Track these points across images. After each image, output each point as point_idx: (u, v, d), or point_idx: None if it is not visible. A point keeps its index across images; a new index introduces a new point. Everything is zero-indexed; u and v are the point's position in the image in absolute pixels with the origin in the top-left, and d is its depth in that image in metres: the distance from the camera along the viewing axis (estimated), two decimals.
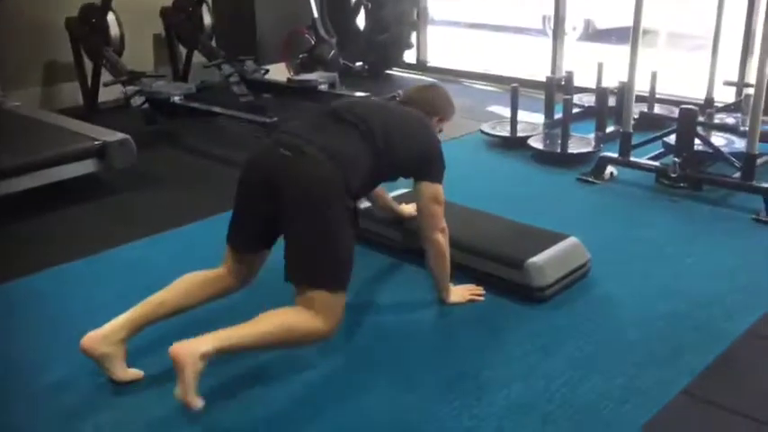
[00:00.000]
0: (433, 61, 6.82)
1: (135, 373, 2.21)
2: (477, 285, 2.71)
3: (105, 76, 5.18)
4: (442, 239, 2.53)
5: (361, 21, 6.68)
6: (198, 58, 5.75)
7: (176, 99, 4.77)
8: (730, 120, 4.36)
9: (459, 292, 2.65)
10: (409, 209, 2.97)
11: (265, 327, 2.06)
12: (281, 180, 2.15)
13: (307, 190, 2.13)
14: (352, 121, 2.33)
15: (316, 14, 5.98)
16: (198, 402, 1.95)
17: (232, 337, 2.02)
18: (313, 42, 6.04)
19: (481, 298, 2.67)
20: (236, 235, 2.32)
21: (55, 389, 2.23)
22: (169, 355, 1.96)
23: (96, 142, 3.83)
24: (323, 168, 2.15)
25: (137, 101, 4.77)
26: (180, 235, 3.35)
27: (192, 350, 1.94)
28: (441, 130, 2.72)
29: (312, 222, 2.13)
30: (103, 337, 2.15)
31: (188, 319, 2.30)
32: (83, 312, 2.62)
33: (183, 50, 5.90)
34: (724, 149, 3.75)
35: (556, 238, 2.81)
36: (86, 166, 3.81)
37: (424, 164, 2.49)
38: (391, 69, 6.73)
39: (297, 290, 2.14)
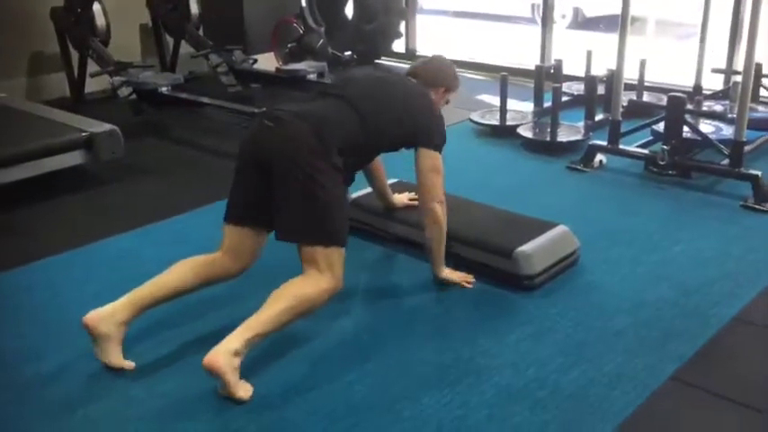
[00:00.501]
0: (422, 50, 6.80)
1: (127, 363, 2.22)
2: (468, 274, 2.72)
3: (92, 66, 5.14)
4: (440, 210, 2.54)
5: (349, 10, 6.65)
6: (185, 48, 5.71)
7: (164, 89, 4.73)
8: (718, 107, 4.38)
9: (453, 273, 2.69)
10: (402, 198, 3.00)
11: (280, 305, 2.12)
12: (266, 149, 2.25)
13: (285, 150, 2.22)
14: (335, 93, 2.45)
15: (304, 3, 5.95)
16: (245, 393, 2.07)
17: (254, 326, 2.08)
18: (301, 32, 6.02)
19: (470, 285, 2.69)
20: (233, 211, 2.35)
21: (46, 379, 2.22)
22: (204, 367, 2.02)
23: (83, 133, 3.81)
24: (295, 128, 2.25)
25: (124, 91, 4.74)
26: (168, 226, 3.34)
27: (223, 352, 2.02)
28: (447, 102, 2.75)
29: (297, 181, 2.19)
30: (106, 316, 2.18)
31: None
32: (72, 304, 2.61)
33: (170, 40, 5.86)
34: (712, 137, 3.77)
35: (545, 226, 2.82)
36: (74, 158, 3.78)
37: (422, 132, 2.52)
38: (380, 59, 6.71)
39: (299, 250, 2.23)
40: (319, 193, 2.20)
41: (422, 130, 2.52)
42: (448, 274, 2.67)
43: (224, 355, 2.02)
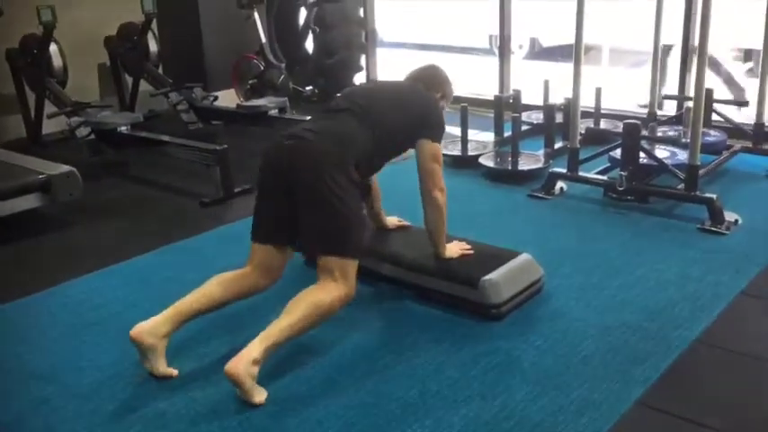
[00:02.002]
0: None
1: (171, 370, 2.38)
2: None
3: (49, 107, 5.09)
4: (441, 197, 2.69)
5: (309, 45, 6.69)
6: (145, 86, 5.69)
7: (123, 129, 4.69)
8: (672, 132, 4.48)
9: (453, 249, 2.83)
10: (392, 220, 3.18)
11: (297, 314, 2.26)
12: (288, 167, 2.40)
13: (307, 166, 2.37)
14: (346, 107, 2.60)
15: (264, 40, 5.98)
16: (260, 398, 2.21)
17: (273, 334, 2.23)
18: (262, 68, 6.04)
19: (471, 252, 2.84)
20: (258, 229, 2.50)
21: None
22: (226, 375, 2.17)
23: (40, 176, 3.74)
24: (316, 144, 2.41)
25: (82, 132, 4.69)
26: (128, 268, 3.28)
27: (244, 362, 2.17)
28: (443, 107, 2.88)
29: (319, 195, 2.34)
30: (150, 329, 2.33)
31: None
32: (34, 350, 2.55)
33: (129, 79, 5.83)
34: (668, 162, 3.84)
35: (509, 255, 2.84)
36: (31, 201, 3.72)
37: (423, 125, 2.67)
38: (341, 92, 6.75)
39: (317, 260, 2.39)
40: (339, 206, 2.35)
41: (424, 122, 2.67)
42: (449, 253, 2.81)
43: (244, 364, 2.16)
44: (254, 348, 2.19)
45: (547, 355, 2.44)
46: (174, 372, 2.38)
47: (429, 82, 2.84)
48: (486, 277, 2.66)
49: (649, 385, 2.25)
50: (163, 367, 2.37)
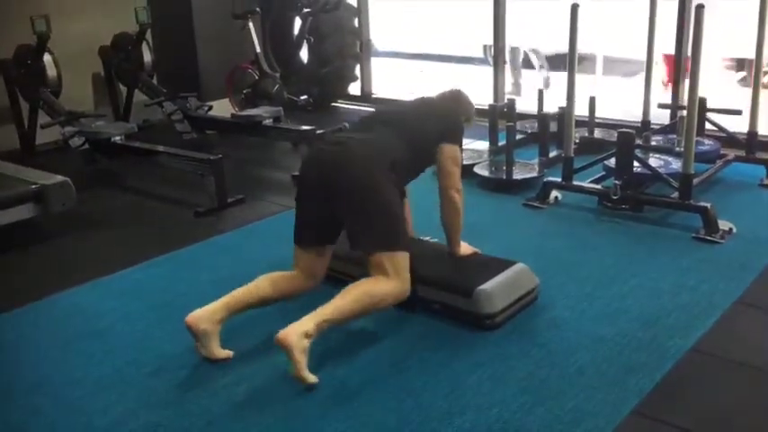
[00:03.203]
0: (378, 92, 6.88)
1: (227, 352, 2.49)
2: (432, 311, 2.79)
3: (43, 117, 5.07)
4: (458, 197, 2.85)
5: (304, 54, 6.70)
6: (139, 96, 5.68)
7: (117, 139, 4.69)
8: (666, 141, 4.49)
9: (467, 248, 2.97)
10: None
11: (350, 297, 2.38)
12: (330, 170, 2.54)
13: (354, 167, 2.52)
14: (380, 120, 2.84)
15: (258, 49, 5.99)
16: (311, 377, 2.28)
17: (325, 313, 2.32)
18: (257, 77, 6.04)
19: (479, 253, 2.97)
20: (301, 233, 2.64)
21: None
22: (276, 341, 2.25)
23: (34, 186, 3.73)
24: (358, 148, 2.59)
25: (76, 142, 4.68)
26: (122, 278, 3.26)
27: (296, 331, 2.25)
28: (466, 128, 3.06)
29: (362, 195, 2.49)
30: (205, 315, 2.45)
31: None
32: (18, 364, 2.54)
33: (123, 89, 5.82)
34: (662, 170, 3.85)
35: (504, 264, 2.83)
36: (24, 211, 3.69)
37: (447, 131, 2.86)
38: (336, 102, 6.76)
39: (367, 258, 2.49)
40: (384, 202, 2.50)
41: (448, 129, 2.87)
42: (464, 250, 2.94)
43: (296, 335, 2.24)
44: (308, 321, 2.28)
45: (542, 365, 2.43)
46: (230, 353, 2.50)
47: (456, 103, 3.05)
48: (481, 287, 2.66)
49: (644, 395, 2.24)
50: (218, 350, 2.48)
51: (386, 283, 2.45)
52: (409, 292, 2.53)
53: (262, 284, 2.57)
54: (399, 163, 2.64)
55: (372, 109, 2.99)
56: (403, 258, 2.51)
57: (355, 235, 2.55)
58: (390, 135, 2.71)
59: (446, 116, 2.93)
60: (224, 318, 2.49)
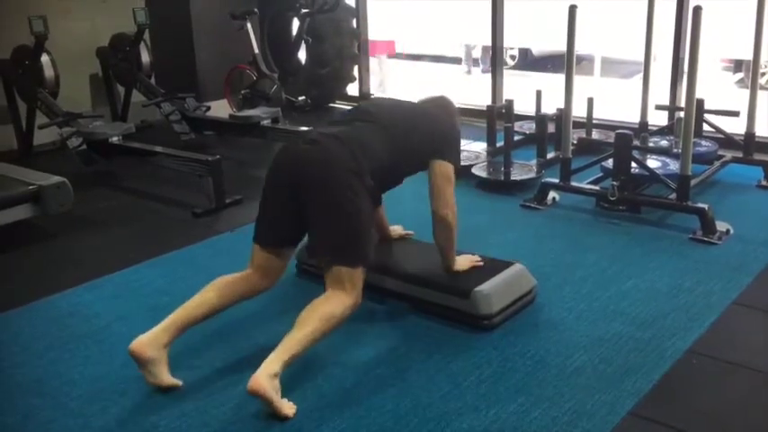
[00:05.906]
0: (375, 93, 6.88)
1: (176, 381, 2.34)
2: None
3: (41, 118, 5.07)
4: (450, 217, 2.69)
5: (302, 55, 6.70)
6: (137, 96, 5.68)
7: (115, 139, 4.68)
8: (664, 142, 4.50)
9: (463, 262, 2.82)
10: (397, 230, 3.20)
11: (309, 326, 2.26)
12: (298, 169, 2.39)
13: (323, 169, 2.37)
14: (365, 117, 2.63)
15: (256, 50, 5.98)
16: (290, 411, 2.19)
17: (288, 348, 2.22)
18: (255, 78, 6.03)
19: (481, 263, 2.83)
20: (262, 231, 2.50)
21: None
22: (250, 392, 2.14)
23: (31, 187, 3.72)
24: (333, 149, 2.41)
25: (74, 142, 4.67)
26: (119, 279, 3.26)
27: (265, 377, 2.15)
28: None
29: (332, 198, 2.35)
30: (149, 341, 2.30)
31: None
32: (14, 365, 2.53)
33: (121, 90, 5.82)
34: (659, 172, 3.85)
35: (502, 265, 2.83)
36: (21, 212, 3.68)
37: (438, 144, 2.69)
38: (334, 102, 6.76)
39: (324, 266, 2.39)
40: (352, 212, 2.36)
41: (439, 144, 2.70)
42: (459, 266, 2.80)
43: (266, 379, 2.14)
44: (273, 363, 2.17)
45: (539, 366, 2.43)
46: (179, 382, 2.34)
47: (443, 109, 2.90)
48: (478, 288, 2.66)
49: (642, 396, 2.25)
50: (167, 378, 2.33)
51: (343, 299, 2.33)
52: (359, 304, 2.41)
53: (208, 295, 2.42)
54: (380, 169, 2.48)
55: (364, 103, 2.82)
56: (362, 272, 2.39)
57: (317, 241, 2.44)
58: (375, 138, 2.53)
59: (439, 129, 2.74)
60: (170, 341, 2.33)
